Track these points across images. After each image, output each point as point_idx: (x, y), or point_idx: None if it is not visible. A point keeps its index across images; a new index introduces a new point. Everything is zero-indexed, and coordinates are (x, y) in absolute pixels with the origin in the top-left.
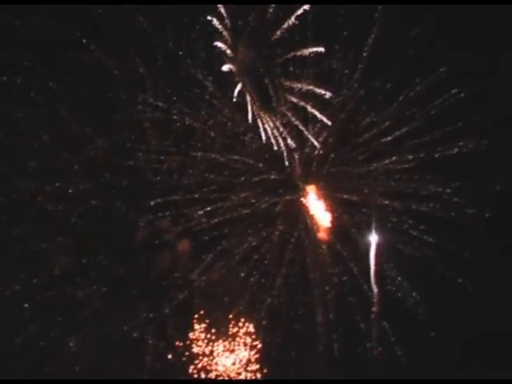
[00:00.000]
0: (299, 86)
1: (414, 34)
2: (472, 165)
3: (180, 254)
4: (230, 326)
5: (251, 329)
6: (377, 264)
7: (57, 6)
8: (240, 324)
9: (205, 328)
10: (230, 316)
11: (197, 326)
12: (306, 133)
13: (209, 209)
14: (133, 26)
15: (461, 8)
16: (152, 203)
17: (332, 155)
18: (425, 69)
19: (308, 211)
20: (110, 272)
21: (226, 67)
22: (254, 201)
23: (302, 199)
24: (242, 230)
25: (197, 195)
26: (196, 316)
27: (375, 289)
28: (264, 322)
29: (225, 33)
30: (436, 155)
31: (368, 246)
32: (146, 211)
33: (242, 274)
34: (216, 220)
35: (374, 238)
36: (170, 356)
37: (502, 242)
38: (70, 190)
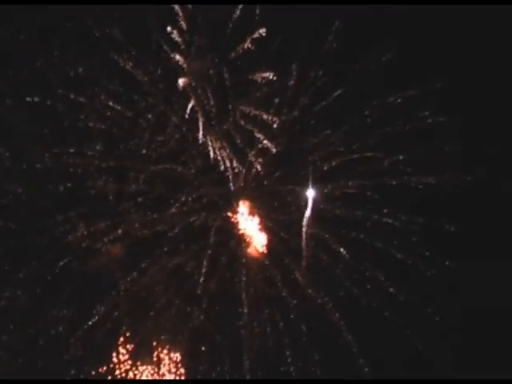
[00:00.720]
0: (247, 108)
1: (369, 59)
2: (418, 199)
3: (111, 263)
4: (156, 352)
5: (176, 355)
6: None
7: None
8: (165, 351)
9: (129, 351)
10: (155, 343)
11: (122, 350)
12: (249, 155)
13: (145, 219)
14: (84, 33)
15: (420, 33)
16: (88, 209)
17: (277, 174)
18: (376, 97)
19: (240, 229)
20: (40, 275)
21: (181, 81)
22: (191, 214)
23: (235, 217)
24: (176, 243)
25: (135, 204)
26: (121, 339)
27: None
28: (189, 346)
29: (183, 47)
30: (380, 184)
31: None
32: (82, 216)
33: (171, 289)
34: (151, 231)
35: (310, 193)
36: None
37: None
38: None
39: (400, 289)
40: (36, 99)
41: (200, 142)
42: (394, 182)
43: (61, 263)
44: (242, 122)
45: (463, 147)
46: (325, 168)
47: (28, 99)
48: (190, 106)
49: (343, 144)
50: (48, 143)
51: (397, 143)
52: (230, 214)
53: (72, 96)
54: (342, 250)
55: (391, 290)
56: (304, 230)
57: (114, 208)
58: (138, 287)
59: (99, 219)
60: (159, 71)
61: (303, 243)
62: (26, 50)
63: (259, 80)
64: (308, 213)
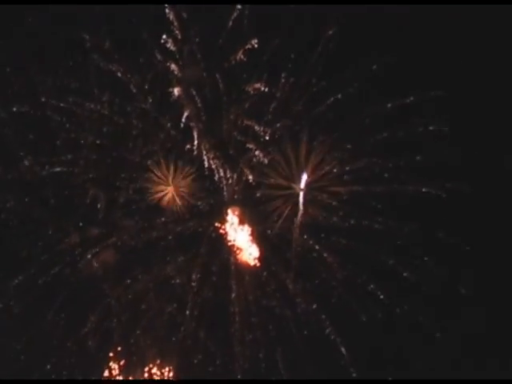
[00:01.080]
0: (239, 118)
1: (364, 66)
2: (413, 207)
3: (103, 272)
4: (147, 367)
5: (168, 368)
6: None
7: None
8: (157, 365)
9: (120, 367)
10: (146, 357)
11: (113, 365)
12: (240, 165)
13: (137, 227)
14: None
15: (419, 39)
16: (81, 217)
17: (270, 181)
18: (371, 104)
19: (229, 240)
20: (33, 281)
21: (176, 90)
22: (183, 223)
23: (224, 227)
24: (168, 251)
25: (128, 213)
26: (111, 354)
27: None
28: (181, 357)
29: (178, 56)
30: (374, 191)
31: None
32: (74, 225)
33: (163, 298)
34: (143, 239)
35: (304, 179)
36: None
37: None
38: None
39: (391, 295)
40: (27, 109)
41: (195, 152)
42: (389, 189)
43: (52, 271)
44: (235, 133)
45: (460, 155)
46: (317, 175)
47: (20, 109)
48: (185, 114)
49: (337, 150)
50: (40, 153)
51: (392, 150)
52: (219, 224)
53: (63, 106)
54: (333, 257)
55: (381, 296)
56: (294, 236)
57: (106, 216)
58: (130, 295)
59: (91, 227)
60: (148, 83)
61: (292, 251)
62: (17, 60)
63: (251, 91)
64: (299, 219)
